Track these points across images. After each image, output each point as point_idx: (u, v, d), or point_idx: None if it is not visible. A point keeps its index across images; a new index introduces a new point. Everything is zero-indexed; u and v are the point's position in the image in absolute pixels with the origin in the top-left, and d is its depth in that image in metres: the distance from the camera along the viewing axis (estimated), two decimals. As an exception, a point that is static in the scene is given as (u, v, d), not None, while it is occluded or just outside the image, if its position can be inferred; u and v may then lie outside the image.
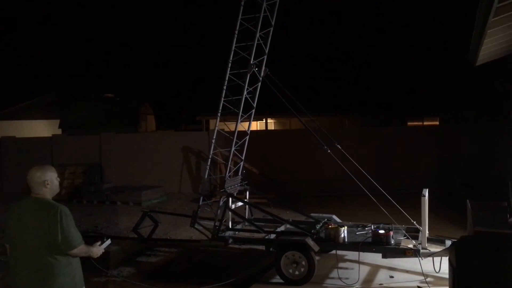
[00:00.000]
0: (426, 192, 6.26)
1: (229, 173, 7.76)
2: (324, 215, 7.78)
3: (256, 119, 17.32)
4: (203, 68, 35.84)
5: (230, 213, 7.43)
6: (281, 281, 6.39)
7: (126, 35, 49.98)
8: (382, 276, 6.57)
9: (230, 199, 7.41)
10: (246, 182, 8.27)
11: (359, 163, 7.15)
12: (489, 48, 7.41)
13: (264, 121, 23.42)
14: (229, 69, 7.63)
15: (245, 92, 7.52)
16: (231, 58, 7.60)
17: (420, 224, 6.39)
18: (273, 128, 24.35)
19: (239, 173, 8.17)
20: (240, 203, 7.82)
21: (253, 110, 8.00)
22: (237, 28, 7.54)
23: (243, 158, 8.04)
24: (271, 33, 7.73)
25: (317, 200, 13.16)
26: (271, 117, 23.19)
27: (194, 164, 15.44)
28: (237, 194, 7.89)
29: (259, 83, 7.75)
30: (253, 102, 7.85)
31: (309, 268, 6.27)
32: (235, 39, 7.57)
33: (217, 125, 8.01)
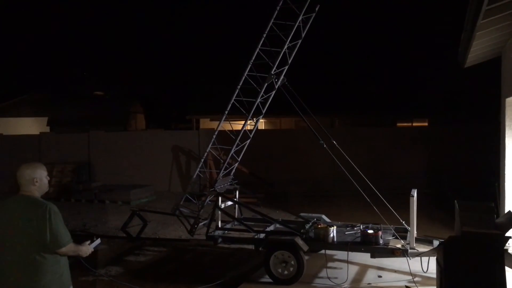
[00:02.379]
0: (414, 193, 6.31)
1: (222, 173, 7.79)
2: (314, 214, 7.81)
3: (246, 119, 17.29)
4: (194, 68, 35.74)
5: (219, 212, 7.42)
6: (270, 280, 6.40)
7: (116, 33, 49.65)
8: (370, 276, 6.61)
9: (220, 198, 7.41)
10: (236, 181, 8.28)
11: (349, 163, 7.19)
12: (478, 50, 7.48)
13: (254, 120, 23.45)
14: (248, 70, 7.55)
15: (259, 99, 7.49)
16: (252, 60, 7.51)
17: (408, 224, 6.44)
18: (263, 128, 24.38)
19: (231, 173, 8.19)
20: (229, 203, 7.82)
21: (261, 116, 7.98)
22: (266, 31, 7.42)
23: (239, 159, 8.03)
24: (298, 45, 7.63)
25: (306, 200, 13.19)
26: (262, 117, 23.23)
27: (184, 163, 15.39)
28: (226, 193, 7.89)
29: (274, 92, 7.68)
30: (263, 108, 7.81)
31: (298, 268, 6.28)
32: (261, 42, 7.46)
33: (221, 122, 7.98)
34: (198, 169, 8.14)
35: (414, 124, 22.91)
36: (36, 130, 21.92)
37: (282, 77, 7.56)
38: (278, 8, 7.44)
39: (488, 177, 9.66)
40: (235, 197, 8.13)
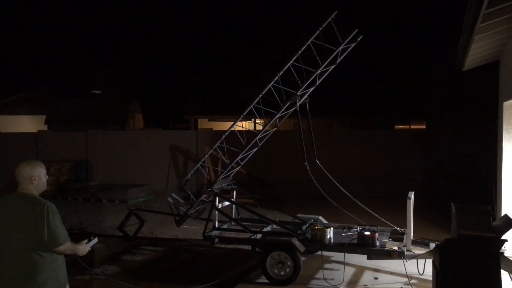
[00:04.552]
0: (411, 195, 6.32)
1: (223, 175, 7.81)
2: (311, 216, 7.83)
3: (244, 119, 17.36)
4: (192, 68, 35.70)
5: (216, 212, 7.43)
6: (267, 281, 6.41)
7: (115, 32, 49.59)
8: (366, 278, 6.63)
9: (217, 198, 7.42)
10: (234, 182, 8.30)
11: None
12: (476, 53, 7.51)
13: (252, 121, 23.46)
14: (274, 81, 7.48)
15: (279, 114, 7.48)
16: (281, 73, 7.44)
17: (404, 227, 6.46)
18: (261, 129, 24.40)
19: (231, 175, 8.22)
20: (227, 203, 7.83)
21: (275, 129, 7.96)
22: (303, 49, 7.33)
23: (242, 163, 8.04)
24: (330, 71, 7.57)
25: (303, 201, 13.19)
26: (260, 118, 23.24)
27: (182, 163, 15.39)
28: (223, 193, 7.90)
29: (293, 109, 7.65)
30: (279, 122, 7.80)
31: (294, 269, 6.29)
32: (295, 57, 7.38)
33: (234, 125, 8.05)
34: (200, 163, 8.19)
35: (412, 126, 22.93)
36: (33, 128, 21.87)
37: (306, 96, 7.55)
38: (320, 29, 7.27)
39: (484, 180, 9.69)
40: (233, 198, 8.13)
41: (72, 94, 29.14)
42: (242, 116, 7.91)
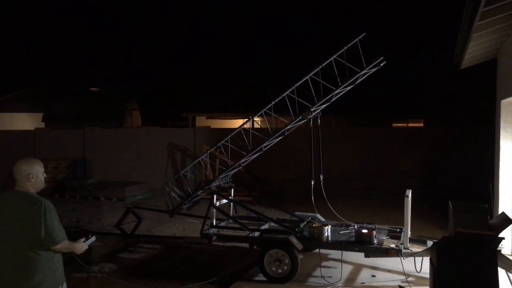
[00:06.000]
0: (409, 193, 6.33)
1: (223, 175, 7.81)
2: (308, 214, 7.82)
3: (242, 117, 17.38)
4: (191, 65, 35.67)
5: (214, 210, 7.43)
6: (264, 279, 6.41)
7: (113, 30, 49.45)
8: (364, 275, 6.63)
9: (215, 196, 7.42)
10: (232, 180, 8.30)
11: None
12: (474, 51, 7.51)
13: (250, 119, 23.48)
14: (289, 91, 7.47)
15: (289, 126, 7.50)
16: (298, 84, 7.40)
17: (402, 224, 6.47)
18: (259, 126, 24.37)
19: (230, 175, 8.23)
20: (224, 201, 7.83)
21: (281, 137, 7.96)
22: (324, 64, 7.26)
23: (243, 165, 8.04)
24: (346, 90, 7.51)
25: (301, 199, 13.18)
26: (258, 116, 23.23)
27: (179, 161, 15.37)
28: (221, 191, 7.91)
29: (303, 121, 7.63)
30: (287, 131, 7.81)
31: (292, 266, 6.29)
32: (315, 71, 7.33)
33: (243, 125, 8.13)
34: (202, 157, 8.20)
35: (410, 124, 22.96)
36: (31, 126, 21.80)
37: (318, 110, 7.54)
38: (346, 48, 7.18)
39: (482, 178, 9.70)
40: (230, 195, 8.13)
41: (69, 92, 29.04)
42: (250, 118, 7.91)
